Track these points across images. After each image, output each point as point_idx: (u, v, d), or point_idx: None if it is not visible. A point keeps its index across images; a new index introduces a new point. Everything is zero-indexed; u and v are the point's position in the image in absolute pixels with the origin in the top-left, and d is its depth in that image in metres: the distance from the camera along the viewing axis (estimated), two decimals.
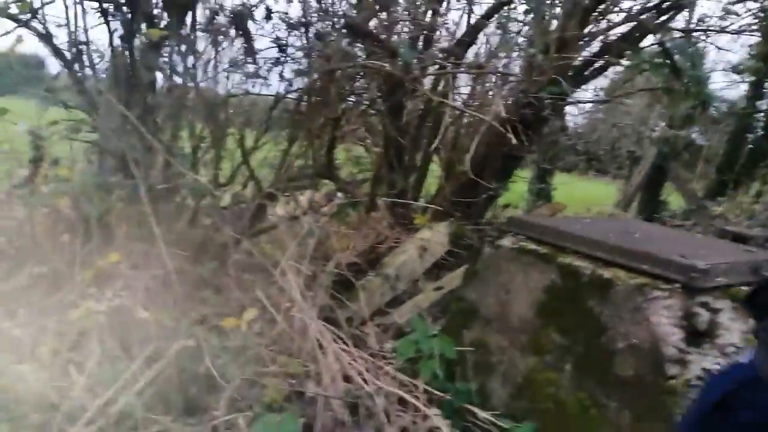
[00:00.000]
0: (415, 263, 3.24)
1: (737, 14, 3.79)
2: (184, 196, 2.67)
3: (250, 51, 2.68)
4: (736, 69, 7.34)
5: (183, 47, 2.47)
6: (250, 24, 2.83)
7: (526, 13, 3.22)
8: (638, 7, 3.26)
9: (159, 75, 2.56)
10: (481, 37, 3.84)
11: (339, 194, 3.09)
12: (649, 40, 3.38)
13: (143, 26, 2.36)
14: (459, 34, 3.59)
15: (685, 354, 1.69)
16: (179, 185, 2.53)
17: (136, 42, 2.34)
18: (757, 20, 4.45)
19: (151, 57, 2.25)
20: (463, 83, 4.05)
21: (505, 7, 3.43)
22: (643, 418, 1.73)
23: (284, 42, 2.96)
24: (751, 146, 6.81)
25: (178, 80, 2.62)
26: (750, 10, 4.20)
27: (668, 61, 2.90)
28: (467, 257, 2.88)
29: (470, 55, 3.74)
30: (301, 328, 2.17)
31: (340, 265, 2.87)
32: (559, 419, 1.94)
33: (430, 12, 3.34)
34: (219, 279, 2.73)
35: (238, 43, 2.92)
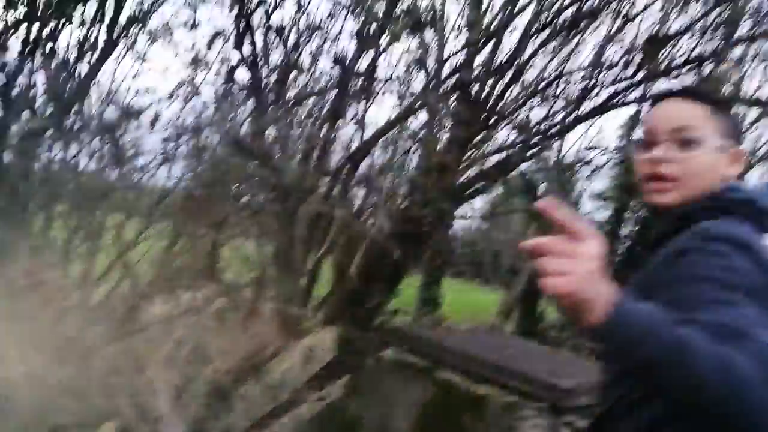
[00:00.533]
0: (299, 370, 3.15)
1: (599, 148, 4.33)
2: (50, 291, 2.46)
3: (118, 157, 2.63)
4: (600, 196, 8.26)
5: (64, 138, 2.39)
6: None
7: (413, 137, 3.48)
8: (512, 140, 3.64)
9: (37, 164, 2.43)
10: (373, 154, 4.05)
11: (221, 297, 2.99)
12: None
13: (23, 115, 2.27)
14: (352, 148, 3.77)
15: None
16: (43, 279, 2.33)
17: (13, 129, 2.24)
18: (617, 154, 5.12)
19: (27, 145, 2.15)
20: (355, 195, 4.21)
21: (396, 128, 3.69)
22: None
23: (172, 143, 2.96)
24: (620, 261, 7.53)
25: (56, 169, 2.51)
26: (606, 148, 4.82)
27: (529, 190, 3.22)
28: (351, 367, 2.85)
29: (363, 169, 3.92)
30: None
31: (219, 372, 2.72)
32: None
33: (325, 128, 3.51)
34: (82, 384, 2.48)
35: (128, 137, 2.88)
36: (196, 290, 3.02)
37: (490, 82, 3.31)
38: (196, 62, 3.14)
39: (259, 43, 3.30)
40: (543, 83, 3.43)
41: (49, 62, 2.48)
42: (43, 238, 2.57)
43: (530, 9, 3.16)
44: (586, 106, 3.38)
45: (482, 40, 3.28)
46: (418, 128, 3.56)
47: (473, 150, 3.54)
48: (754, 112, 4.16)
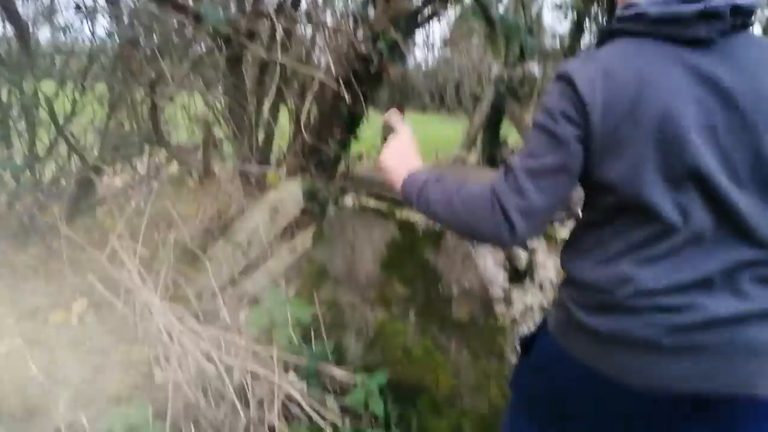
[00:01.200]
0: (267, 225, 3.20)
1: None
2: None
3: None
4: (559, 6, 7.91)
5: None
6: None
7: None
8: None
9: None
10: None
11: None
12: None
13: None
14: None
15: (510, 293, 1.86)
16: None
17: None
18: None
19: None
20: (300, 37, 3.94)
21: None
22: (479, 356, 1.90)
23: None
24: None
25: None
26: None
27: (483, 12, 3.03)
28: (316, 218, 2.89)
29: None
30: (143, 312, 2.06)
31: (184, 237, 2.75)
32: (408, 365, 2.07)
33: None
34: (48, 265, 2.50)
35: None
36: (146, 157, 2.93)
37: None
38: None
39: None
40: None
41: None
42: None
43: None
44: None
45: None
46: None
47: None
48: None
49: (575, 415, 1.03)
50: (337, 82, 2.67)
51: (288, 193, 3.47)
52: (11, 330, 1.87)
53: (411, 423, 2.06)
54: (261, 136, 4.35)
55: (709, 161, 0.86)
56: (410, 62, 6.97)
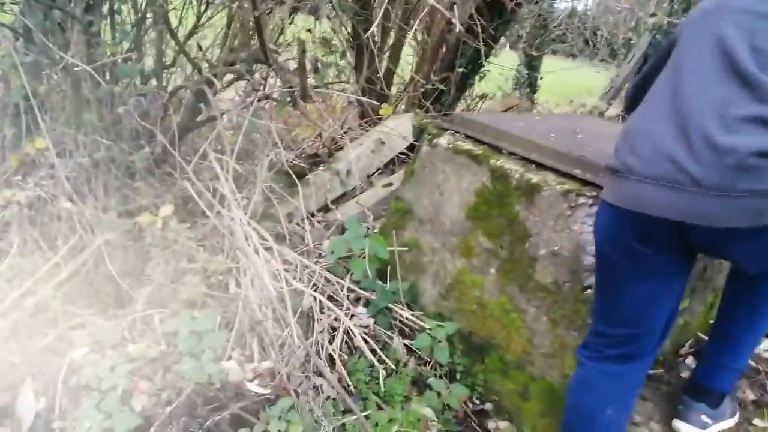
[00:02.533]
0: (370, 157, 3.14)
1: None
2: (116, 79, 2.50)
3: None
4: None
5: None
6: None
7: None
8: None
9: None
10: None
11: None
12: None
13: None
14: None
15: None
16: (107, 67, 2.36)
17: None
18: None
19: None
20: None
21: None
22: (558, 325, 1.73)
23: None
24: None
25: None
26: None
27: None
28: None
29: None
30: (229, 225, 2.12)
31: (283, 158, 2.77)
32: (482, 321, 1.95)
33: None
34: (152, 171, 2.65)
35: None
36: (258, 75, 2.95)
37: None
38: None
39: None
40: None
41: None
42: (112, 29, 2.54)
43: None
44: None
45: None
46: None
47: None
48: None
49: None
50: (451, 9, 2.44)
51: (397, 127, 3.37)
52: (108, 225, 1.99)
53: (476, 378, 1.96)
54: (383, 66, 4.26)
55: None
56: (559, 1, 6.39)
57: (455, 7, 2.65)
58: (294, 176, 2.58)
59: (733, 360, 1.55)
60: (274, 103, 2.65)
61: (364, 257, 2.11)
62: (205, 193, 2.25)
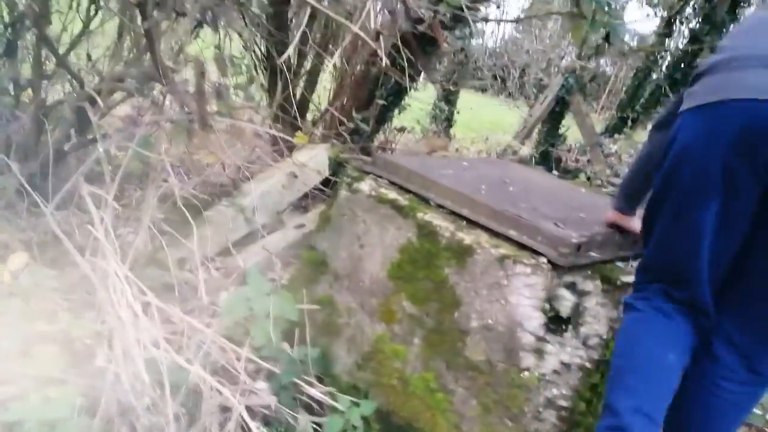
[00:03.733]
0: (281, 192, 2.84)
1: None
2: None
3: None
4: (650, 1, 7.16)
5: None
6: None
7: None
8: None
9: None
10: None
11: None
12: None
13: None
14: None
15: (543, 343, 1.45)
16: None
17: None
18: None
19: None
20: None
21: None
22: (490, 411, 1.51)
23: None
24: (655, 85, 6.75)
25: None
26: None
27: None
28: (329, 197, 2.51)
29: None
30: (101, 277, 1.74)
31: (187, 190, 2.41)
32: (403, 399, 1.69)
33: None
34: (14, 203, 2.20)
35: None
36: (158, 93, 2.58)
37: None
38: None
39: None
40: None
41: None
42: None
43: None
44: None
45: None
46: None
47: None
48: None
49: None
50: (377, 39, 2.23)
51: (312, 159, 3.09)
52: None
53: None
54: (299, 93, 3.98)
55: None
56: (475, 37, 6.43)
57: (381, 37, 2.44)
58: (187, 213, 2.22)
59: None
60: (171, 126, 2.30)
61: (268, 317, 1.80)
62: (74, 233, 1.86)
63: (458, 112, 6.25)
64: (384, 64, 2.80)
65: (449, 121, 6.11)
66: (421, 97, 5.15)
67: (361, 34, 1.97)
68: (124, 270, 1.75)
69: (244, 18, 3.65)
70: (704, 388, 1.33)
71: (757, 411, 1.71)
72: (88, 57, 2.91)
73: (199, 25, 2.77)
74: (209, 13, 2.33)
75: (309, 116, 4.24)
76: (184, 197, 2.45)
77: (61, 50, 2.52)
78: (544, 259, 1.49)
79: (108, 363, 1.55)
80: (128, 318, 1.59)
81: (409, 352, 1.69)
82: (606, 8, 2.52)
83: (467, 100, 7.25)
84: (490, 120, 8.72)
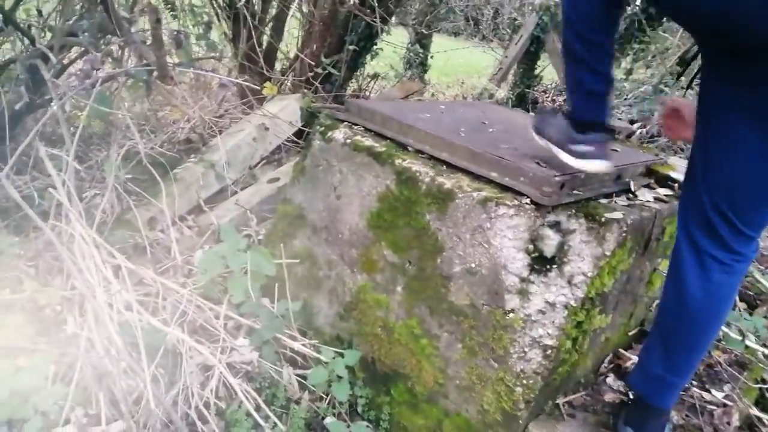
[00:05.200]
0: (252, 146, 2.74)
1: None
2: None
3: None
4: None
5: None
6: None
7: None
8: None
9: None
10: None
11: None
12: None
13: None
14: None
15: (528, 284, 1.42)
16: None
17: None
18: None
19: None
20: None
21: None
22: (476, 354, 1.49)
23: None
24: (630, 20, 6.61)
25: None
26: None
27: None
28: (303, 147, 2.42)
29: None
30: (68, 242, 1.66)
31: (154, 147, 2.31)
32: (387, 346, 1.67)
33: None
34: None
35: None
36: (115, 48, 2.43)
37: None
38: None
39: None
40: None
41: None
42: None
43: None
44: None
45: None
46: None
47: None
48: None
49: None
50: None
51: (283, 110, 2.98)
52: None
53: (381, 412, 1.69)
54: (265, 40, 3.81)
55: None
56: None
57: None
58: (155, 171, 2.13)
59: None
60: (130, 81, 2.17)
61: (246, 274, 1.75)
62: (35, 198, 1.76)
63: (432, 57, 6.09)
64: (352, 3, 2.67)
65: (424, 66, 5.96)
66: (394, 41, 5.00)
67: None
68: (90, 233, 1.67)
69: None
70: None
71: (736, 336, 1.72)
72: (39, 12, 2.72)
73: None
74: None
75: (278, 65, 4.09)
76: (151, 155, 2.35)
77: (8, 6, 2.34)
78: (527, 200, 1.44)
79: (80, 329, 1.49)
80: (98, 282, 1.52)
81: (392, 300, 1.66)
82: None
83: (441, 44, 7.06)
84: (465, 63, 8.55)
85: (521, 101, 5.60)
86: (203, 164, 2.44)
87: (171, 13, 3.07)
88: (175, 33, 1.99)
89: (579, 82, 1.39)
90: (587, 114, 1.42)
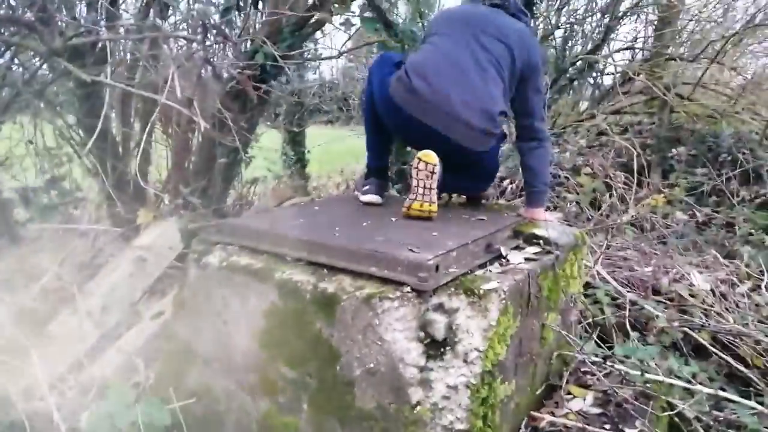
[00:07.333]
0: (130, 283, 2.59)
1: None
2: None
3: None
4: None
5: None
6: None
7: None
8: None
9: None
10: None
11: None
12: None
13: None
14: None
15: (427, 372, 1.42)
16: None
17: None
18: None
19: None
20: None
21: None
22: None
23: None
24: None
25: None
26: None
27: (377, 16, 2.64)
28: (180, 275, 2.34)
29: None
30: None
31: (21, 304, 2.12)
32: None
33: None
34: None
35: None
36: None
37: None
38: None
39: None
40: None
41: None
42: None
43: None
44: None
45: None
46: None
47: None
48: None
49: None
50: (190, 106, 2.14)
51: (160, 237, 2.87)
52: None
53: None
54: (133, 167, 3.72)
55: None
56: (311, 74, 6.49)
57: (194, 103, 2.33)
58: (24, 333, 1.95)
59: None
60: None
61: (138, 430, 1.60)
62: None
63: (308, 151, 6.23)
64: (203, 129, 2.70)
65: (302, 161, 6.07)
66: (267, 143, 5.07)
67: (170, 103, 1.86)
68: None
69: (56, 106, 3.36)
70: None
71: (634, 372, 1.81)
72: None
73: None
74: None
75: (151, 190, 3.98)
76: (21, 315, 2.17)
77: None
78: (408, 288, 1.47)
79: None
80: None
81: (300, 419, 1.58)
82: (413, 37, 2.66)
83: (317, 135, 7.26)
84: (344, 150, 8.82)
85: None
86: (78, 315, 2.27)
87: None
88: (17, 190, 1.88)
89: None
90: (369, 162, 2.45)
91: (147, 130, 3.38)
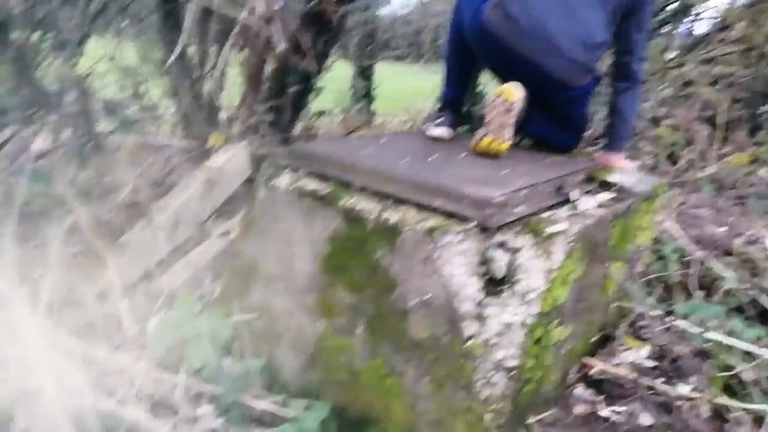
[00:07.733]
0: (200, 202, 2.70)
1: None
2: None
3: None
4: None
5: None
6: None
7: None
8: None
9: None
10: None
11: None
12: None
13: None
14: None
15: (483, 308, 1.42)
16: None
17: None
18: None
19: None
20: None
21: None
22: (442, 386, 1.47)
23: None
24: None
25: None
26: None
27: None
28: (249, 195, 2.40)
29: None
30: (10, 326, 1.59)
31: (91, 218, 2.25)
32: (355, 392, 1.64)
33: None
34: None
35: None
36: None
37: None
38: None
39: None
40: None
41: None
42: None
43: None
44: None
45: None
46: None
47: None
48: None
49: None
50: (269, 24, 2.12)
51: (230, 160, 2.95)
52: None
53: None
54: (207, 89, 3.79)
55: None
56: (382, 6, 6.32)
57: (273, 23, 2.32)
58: (103, 242, 2.08)
59: None
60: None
61: (200, 340, 1.70)
62: None
63: (375, 87, 6.15)
64: (281, 49, 2.69)
65: (369, 97, 6.01)
66: (336, 76, 5.04)
67: (249, 21, 1.84)
68: (37, 319, 1.61)
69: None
70: None
71: (694, 330, 1.75)
72: None
73: (85, 37, 2.57)
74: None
75: (224, 112, 4.06)
76: (98, 225, 2.30)
77: None
78: (472, 224, 1.45)
79: (30, 425, 1.42)
80: (47, 370, 1.46)
81: (354, 343, 1.63)
82: None
83: (386, 71, 7.15)
84: (411, 88, 8.67)
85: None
86: (151, 227, 2.39)
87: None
88: (103, 102, 1.96)
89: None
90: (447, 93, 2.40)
91: (223, 52, 3.42)
